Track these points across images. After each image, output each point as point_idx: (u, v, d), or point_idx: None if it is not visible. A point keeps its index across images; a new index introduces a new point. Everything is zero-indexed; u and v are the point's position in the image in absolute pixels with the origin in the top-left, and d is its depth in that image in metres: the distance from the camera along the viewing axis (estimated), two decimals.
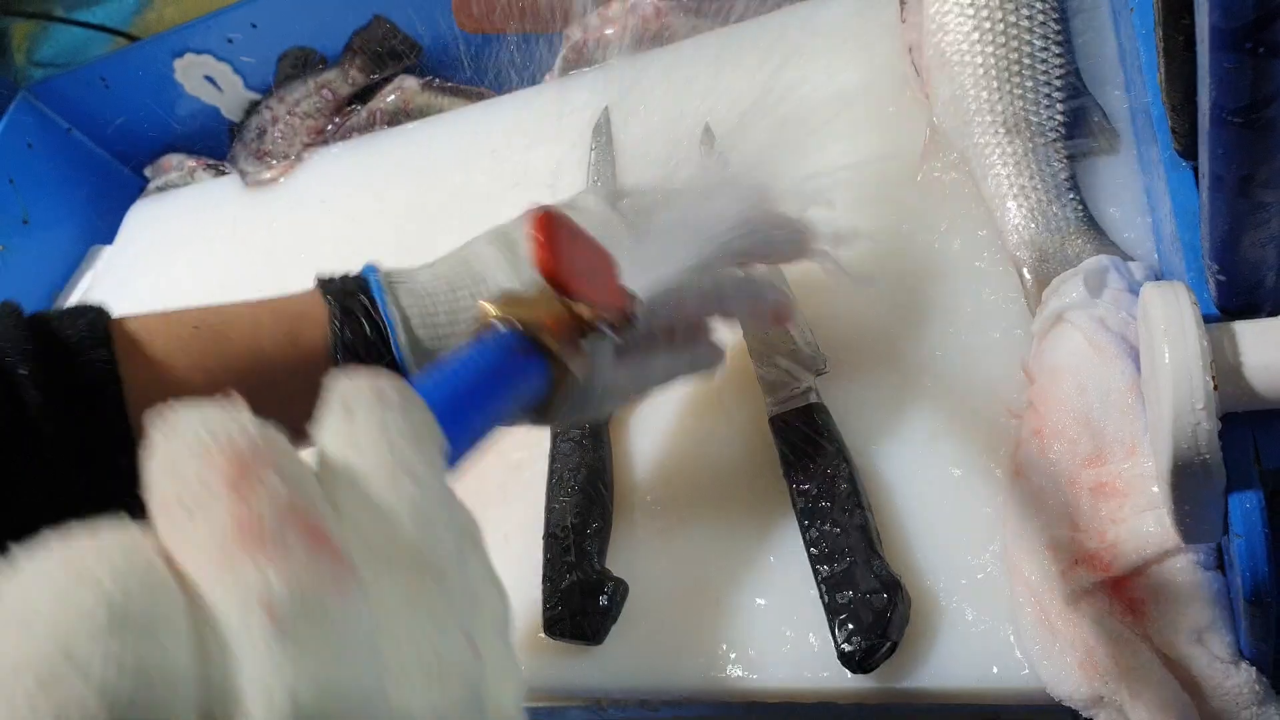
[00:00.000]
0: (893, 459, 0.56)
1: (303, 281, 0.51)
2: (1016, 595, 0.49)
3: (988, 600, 0.50)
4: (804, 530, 0.54)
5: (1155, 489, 0.44)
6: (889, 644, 0.49)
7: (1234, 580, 0.41)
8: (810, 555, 0.53)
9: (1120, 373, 0.47)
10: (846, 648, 0.49)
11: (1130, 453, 0.46)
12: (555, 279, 0.33)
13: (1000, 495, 0.51)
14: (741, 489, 0.59)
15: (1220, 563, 0.43)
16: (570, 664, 0.58)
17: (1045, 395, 0.50)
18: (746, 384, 0.61)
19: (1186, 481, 0.38)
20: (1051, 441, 0.49)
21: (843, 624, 0.50)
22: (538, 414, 0.36)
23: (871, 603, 0.49)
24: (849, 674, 0.50)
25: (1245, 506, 0.39)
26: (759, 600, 0.55)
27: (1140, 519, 0.44)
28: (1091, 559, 0.45)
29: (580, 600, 0.56)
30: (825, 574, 0.52)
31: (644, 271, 0.39)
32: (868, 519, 0.53)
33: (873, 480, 0.56)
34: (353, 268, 0.51)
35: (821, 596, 0.51)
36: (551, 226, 0.34)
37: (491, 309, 0.34)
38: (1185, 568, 0.43)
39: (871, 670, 0.49)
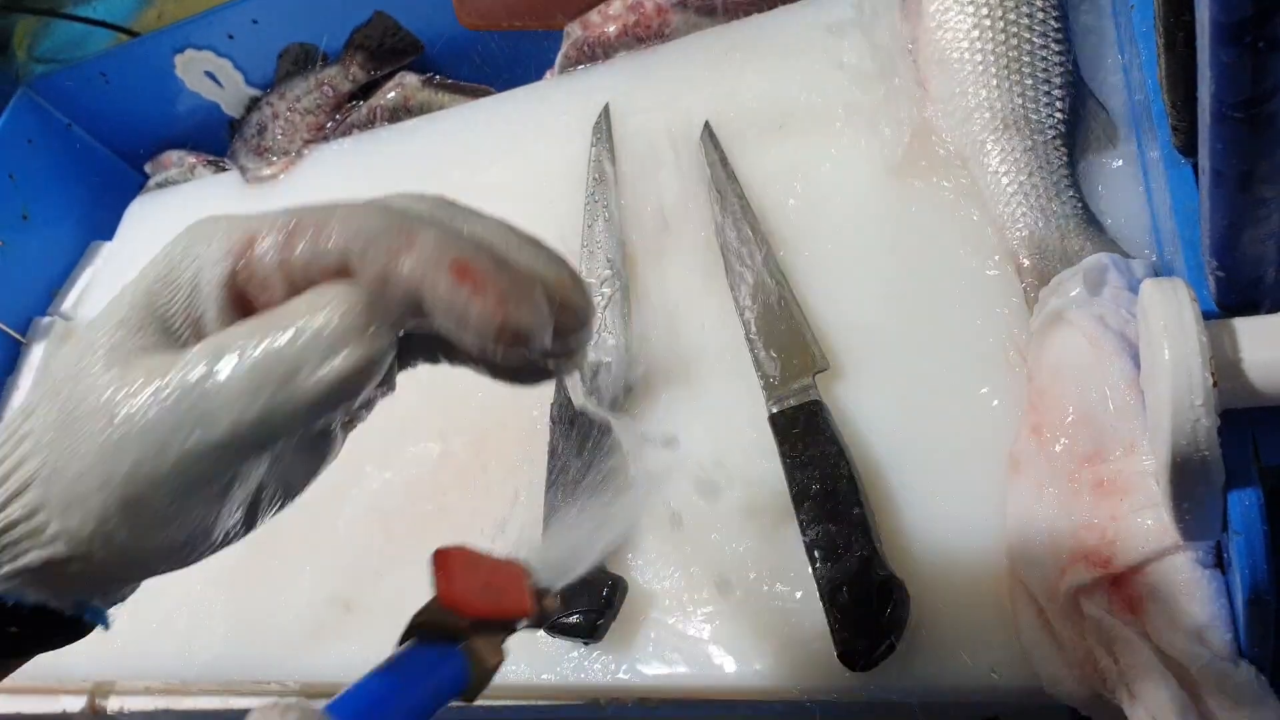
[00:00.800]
0: (893, 457, 0.56)
1: None
2: (1016, 594, 0.49)
3: (987, 599, 0.50)
4: (803, 529, 0.53)
5: (1155, 486, 0.44)
6: (888, 643, 0.49)
7: (1233, 578, 0.41)
8: (809, 554, 0.53)
9: (1120, 370, 0.46)
10: (846, 647, 0.49)
11: (1130, 450, 0.46)
12: (456, 609, 0.36)
13: (1000, 494, 0.51)
14: (741, 488, 0.59)
15: (1220, 560, 0.43)
16: (569, 662, 0.58)
17: (1045, 393, 0.50)
18: (747, 383, 0.61)
19: (1186, 478, 0.38)
20: (1051, 439, 0.48)
21: (842, 623, 0.50)
22: (461, 697, 0.37)
23: (871, 602, 0.49)
24: (848, 673, 0.50)
25: (1244, 504, 0.39)
26: (758, 599, 0.55)
27: (1140, 516, 0.44)
28: (1091, 557, 0.45)
29: (580, 598, 0.56)
30: (824, 573, 0.51)
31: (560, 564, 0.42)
32: (867, 517, 0.53)
33: (872, 478, 0.55)
34: None
35: (821, 595, 0.51)
36: (448, 563, 0.36)
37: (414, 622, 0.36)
38: (1185, 566, 0.43)
39: (870, 669, 0.49)
